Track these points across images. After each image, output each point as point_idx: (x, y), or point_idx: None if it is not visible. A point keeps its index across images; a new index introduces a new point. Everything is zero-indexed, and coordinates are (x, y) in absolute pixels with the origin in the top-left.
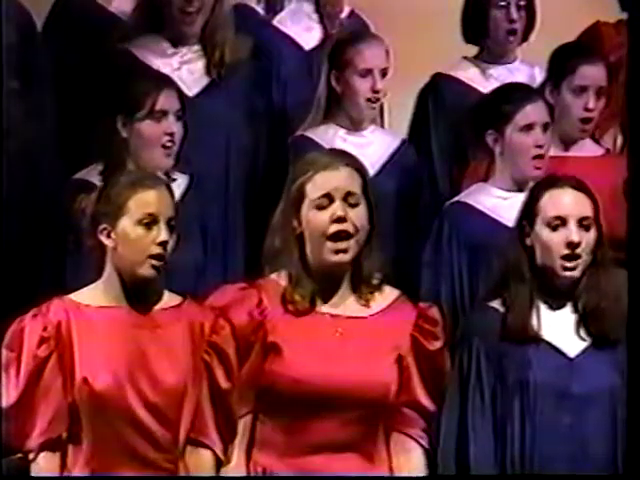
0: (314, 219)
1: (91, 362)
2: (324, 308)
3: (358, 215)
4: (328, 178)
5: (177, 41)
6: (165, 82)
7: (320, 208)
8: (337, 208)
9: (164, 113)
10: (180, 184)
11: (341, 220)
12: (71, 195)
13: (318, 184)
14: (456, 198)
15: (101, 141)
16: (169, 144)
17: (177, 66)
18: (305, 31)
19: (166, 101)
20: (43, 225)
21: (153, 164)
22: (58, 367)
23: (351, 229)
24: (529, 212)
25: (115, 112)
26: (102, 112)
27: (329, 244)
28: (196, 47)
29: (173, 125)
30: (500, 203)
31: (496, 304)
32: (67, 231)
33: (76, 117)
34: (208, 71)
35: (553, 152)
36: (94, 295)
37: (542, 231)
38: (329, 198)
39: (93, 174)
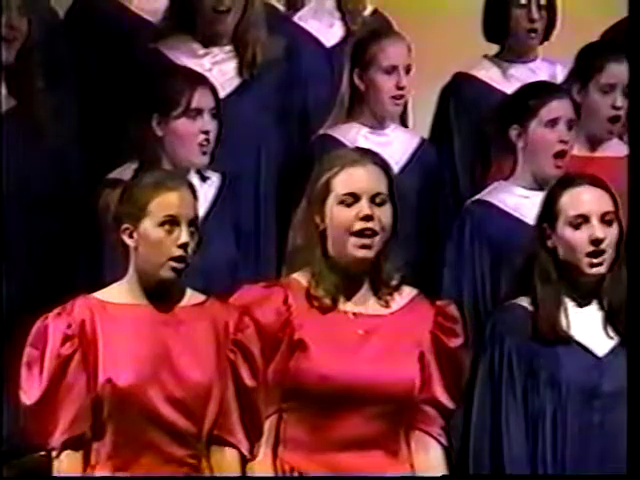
0: (339, 215)
1: (115, 360)
2: (347, 307)
3: (384, 214)
4: (355, 175)
5: (209, 41)
6: (200, 80)
7: (346, 204)
8: (364, 206)
9: (199, 111)
10: (213, 182)
11: (368, 218)
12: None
13: (345, 180)
14: (477, 196)
15: (136, 140)
16: (205, 142)
17: (209, 67)
18: (326, 28)
19: (201, 99)
20: (78, 224)
21: (189, 162)
22: (82, 365)
23: (377, 227)
24: (549, 214)
25: (150, 111)
26: (136, 111)
27: (353, 239)
28: (228, 47)
29: (208, 123)
30: (522, 202)
31: (525, 302)
32: (102, 229)
33: (107, 116)
34: (240, 72)
35: (580, 152)
36: (118, 293)
37: (565, 231)
38: (356, 196)
39: (128, 173)
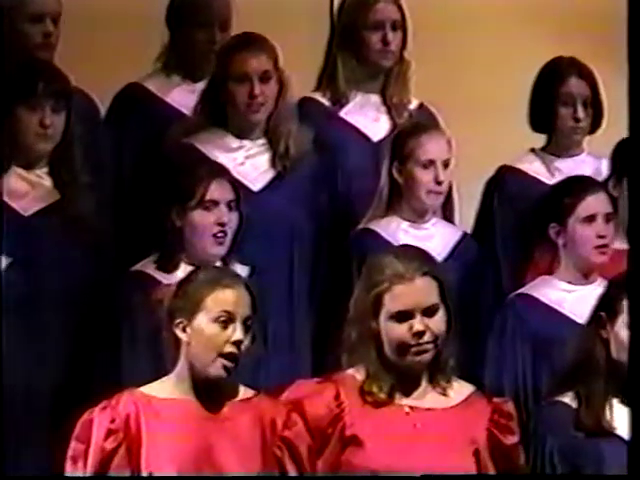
0: (392, 330)
1: (158, 454)
2: (403, 401)
3: (437, 323)
4: (406, 292)
5: (241, 135)
6: (218, 172)
7: (398, 320)
8: (416, 322)
9: (215, 203)
10: None
11: (421, 334)
12: (129, 287)
13: (395, 298)
14: (520, 290)
15: (157, 231)
16: (220, 234)
17: (242, 160)
18: (373, 122)
19: (217, 191)
20: (101, 317)
21: (204, 253)
22: (126, 459)
23: (431, 339)
24: (608, 306)
25: (170, 202)
26: (159, 202)
27: (410, 349)
28: (260, 141)
29: (224, 215)
30: (565, 296)
31: (567, 399)
32: (125, 323)
33: (138, 209)
34: (273, 164)
35: (620, 246)
36: (165, 388)
37: (622, 330)
38: (407, 313)
39: (149, 265)
